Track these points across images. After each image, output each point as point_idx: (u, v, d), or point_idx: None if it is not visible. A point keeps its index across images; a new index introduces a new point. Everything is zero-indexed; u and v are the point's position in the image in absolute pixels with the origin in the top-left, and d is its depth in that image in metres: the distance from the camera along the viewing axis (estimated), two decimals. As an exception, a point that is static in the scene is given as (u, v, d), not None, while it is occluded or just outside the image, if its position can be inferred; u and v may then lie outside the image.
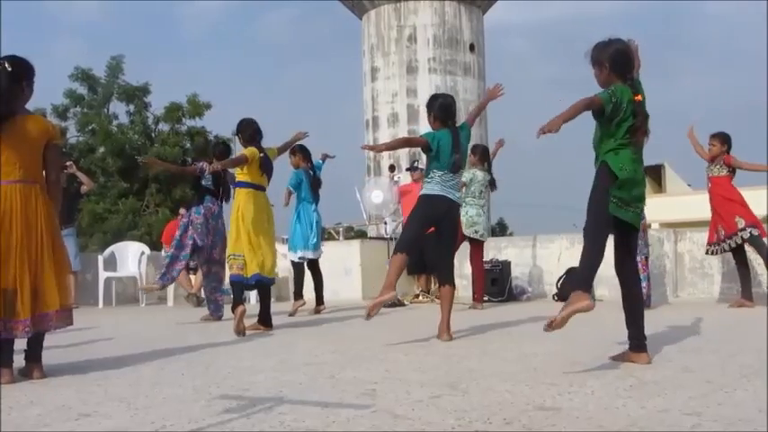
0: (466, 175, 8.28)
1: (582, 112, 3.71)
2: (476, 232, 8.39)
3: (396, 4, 24.29)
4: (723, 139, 7.70)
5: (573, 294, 3.64)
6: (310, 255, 8.32)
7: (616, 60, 3.80)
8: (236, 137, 6.59)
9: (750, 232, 7.50)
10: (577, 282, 3.75)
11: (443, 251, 5.35)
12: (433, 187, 5.22)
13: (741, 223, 7.52)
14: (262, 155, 6.37)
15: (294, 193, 8.22)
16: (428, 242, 5.70)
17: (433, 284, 9.50)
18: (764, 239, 7.59)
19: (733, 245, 7.61)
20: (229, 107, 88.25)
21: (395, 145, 5.68)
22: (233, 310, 6.04)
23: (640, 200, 3.87)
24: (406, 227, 5.41)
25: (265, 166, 6.41)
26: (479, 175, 8.46)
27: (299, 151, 8.25)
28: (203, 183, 7.52)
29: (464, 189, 8.23)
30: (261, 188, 6.41)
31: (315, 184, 8.35)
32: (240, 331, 5.81)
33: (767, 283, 8.47)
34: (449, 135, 5.24)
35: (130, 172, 22.60)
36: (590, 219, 3.84)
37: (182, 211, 10.56)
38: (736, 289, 8.23)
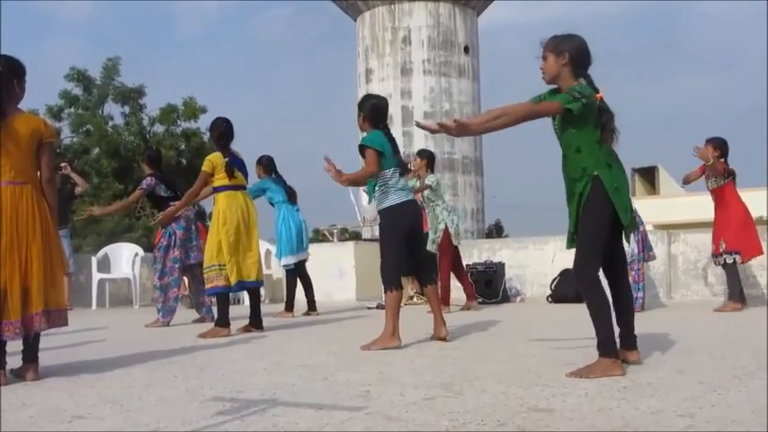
0: (431, 179, 8.16)
1: (526, 119, 3.56)
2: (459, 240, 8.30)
3: (390, 6, 24.31)
4: (714, 144, 7.44)
5: (600, 362, 3.52)
6: (301, 257, 8.24)
7: (577, 54, 3.67)
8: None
9: (725, 259, 7.43)
10: (605, 347, 3.55)
11: (419, 252, 5.25)
12: (392, 197, 4.99)
13: (722, 246, 7.44)
14: (226, 159, 6.17)
15: (267, 199, 8.10)
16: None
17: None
18: (743, 265, 7.51)
19: (721, 263, 7.56)
20: (223, 107, 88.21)
21: (357, 178, 5.11)
22: (217, 324, 6.05)
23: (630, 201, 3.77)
24: (387, 252, 4.99)
25: (231, 167, 6.16)
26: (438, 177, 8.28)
27: (261, 162, 8.12)
28: (162, 194, 7.39)
29: (427, 193, 8.07)
30: (239, 188, 6.27)
31: (287, 188, 8.18)
32: (203, 338, 5.84)
33: (767, 285, 8.48)
34: (383, 135, 5.06)
35: (125, 173, 22.56)
36: (586, 263, 3.61)
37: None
38: (727, 292, 8.24)
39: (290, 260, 8.16)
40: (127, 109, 23.63)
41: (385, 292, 4.97)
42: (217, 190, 6.23)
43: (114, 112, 23.82)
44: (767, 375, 3.37)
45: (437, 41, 24.11)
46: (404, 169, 5.13)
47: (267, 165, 8.16)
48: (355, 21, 25.74)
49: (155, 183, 7.40)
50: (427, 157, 8.28)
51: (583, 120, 3.59)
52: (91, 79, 23.31)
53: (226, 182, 6.19)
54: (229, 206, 6.15)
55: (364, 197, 11.37)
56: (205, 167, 6.20)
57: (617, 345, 3.64)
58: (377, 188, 5.07)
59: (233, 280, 6.09)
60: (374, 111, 5.17)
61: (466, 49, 24.65)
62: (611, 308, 3.67)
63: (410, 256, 5.14)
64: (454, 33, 24.37)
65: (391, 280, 4.93)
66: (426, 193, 8.03)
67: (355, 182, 5.23)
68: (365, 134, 5.16)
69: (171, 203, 7.17)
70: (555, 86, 3.77)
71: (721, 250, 7.45)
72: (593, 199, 3.61)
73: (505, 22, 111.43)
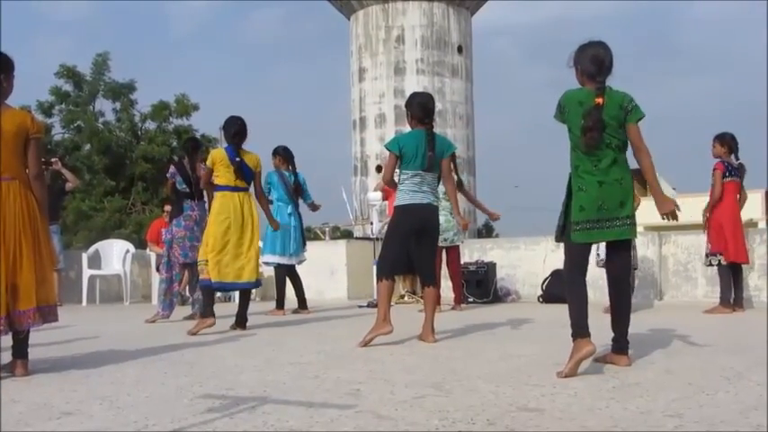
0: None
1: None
2: (445, 240, 8.12)
3: (384, 5, 24.31)
4: (721, 140, 7.38)
5: (574, 343, 3.63)
6: (284, 261, 8.16)
7: (587, 64, 3.84)
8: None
9: (710, 260, 7.45)
10: (573, 330, 3.68)
11: (425, 253, 5.30)
12: (405, 196, 5.12)
13: (707, 248, 7.47)
14: (238, 159, 6.20)
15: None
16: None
17: (419, 285, 9.44)
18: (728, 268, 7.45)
19: (707, 264, 7.60)
20: (216, 106, 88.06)
21: (386, 186, 5.40)
22: (202, 316, 6.08)
23: (622, 208, 3.77)
24: (386, 246, 5.24)
25: (240, 172, 6.22)
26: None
27: (280, 153, 8.18)
28: (178, 187, 7.37)
29: None
30: (238, 189, 6.23)
31: (290, 187, 8.17)
32: (193, 335, 5.85)
33: (767, 292, 8.51)
34: (422, 134, 5.16)
35: (117, 170, 22.46)
36: (565, 257, 3.90)
37: (166, 208, 10.48)
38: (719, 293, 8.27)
39: (269, 258, 8.12)
40: (118, 105, 23.51)
41: (377, 280, 5.12)
42: (219, 188, 6.23)
43: (105, 108, 23.72)
44: (767, 374, 3.40)
45: (431, 41, 24.13)
46: (431, 167, 5.16)
47: (284, 155, 8.18)
48: (349, 19, 25.74)
49: (174, 171, 7.39)
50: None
51: (567, 125, 3.84)
52: (81, 76, 23.20)
53: (230, 181, 6.21)
54: (222, 206, 6.15)
55: (371, 194, 11.36)
56: (207, 162, 6.32)
57: (587, 327, 3.67)
58: (399, 186, 5.22)
59: (213, 278, 6.10)
60: (420, 108, 5.28)
61: (459, 49, 24.68)
62: (585, 297, 3.78)
63: (415, 255, 5.26)
64: (448, 33, 24.40)
65: (385, 270, 5.11)
66: None
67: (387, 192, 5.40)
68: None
69: (186, 202, 7.31)
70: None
71: (707, 252, 7.50)
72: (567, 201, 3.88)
73: (499, 23, 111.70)
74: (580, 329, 3.65)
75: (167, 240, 7.44)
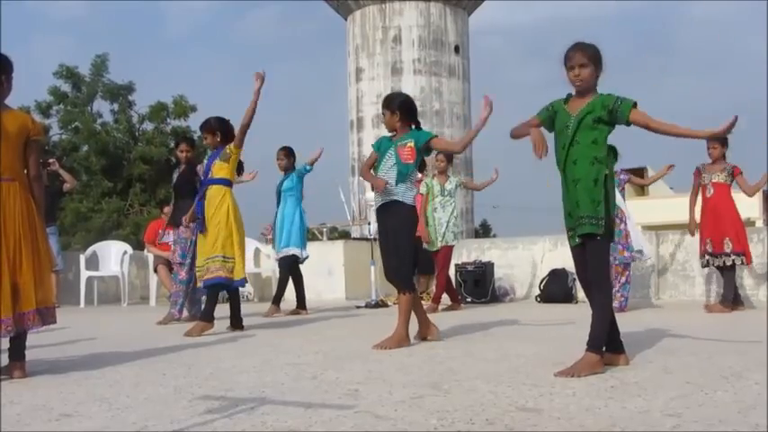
0: (452, 180, 8.21)
1: None
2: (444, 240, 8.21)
3: (381, 5, 24.33)
4: (721, 141, 7.37)
5: (589, 357, 3.58)
6: (304, 256, 8.28)
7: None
8: (215, 134, 6.21)
9: (734, 261, 7.36)
10: (599, 342, 3.64)
11: None
12: (413, 197, 4.96)
13: (728, 247, 7.35)
14: (241, 160, 6.29)
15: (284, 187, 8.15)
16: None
17: (417, 285, 9.41)
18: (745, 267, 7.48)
19: (721, 264, 7.46)
20: (212, 106, 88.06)
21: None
22: (202, 319, 6.01)
23: (572, 213, 3.74)
24: (407, 252, 4.86)
25: (240, 171, 6.32)
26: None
27: (292, 155, 8.22)
28: (196, 185, 7.17)
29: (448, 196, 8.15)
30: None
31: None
32: (189, 335, 5.81)
33: (766, 291, 8.50)
34: None
35: (114, 171, 22.45)
36: (604, 258, 3.78)
37: (166, 209, 10.47)
38: (716, 291, 8.28)
39: (301, 252, 8.18)
40: (116, 106, 23.51)
41: (402, 292, 4.90)
42: (231, 184, 6.17)
43: (103, 109, 23.72)
44: (767, 374, 3.40)
45: (428, 41, 24.17)
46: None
47: (293, 156, 8.23)
48: (346, 20, 25.74)
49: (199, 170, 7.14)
50: (448, 158, 8.21)
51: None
52: (80, 76, 23.20)
53: (233, 178, 6.21)
54: (236, 204, 6.17)
55: (369, 194, 11.36)
56: (235, 147, 6.12)
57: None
58: (407, 179, 4.89)
59: (238, 275, 6.07)
60: (405, 107, 4.96)
61: (456, 49, 24.71)
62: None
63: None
64: (445, 33, 24.44)
65: (409, 280, 4.92)
66: (447, 192, 8.09)
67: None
68: (420, 130, 5.01)
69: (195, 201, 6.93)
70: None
71: (728, 251, 7.38)
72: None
73: (496, 23, 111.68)
74: (603, 345, 3.66)
75: (192, 241, 7.22)
